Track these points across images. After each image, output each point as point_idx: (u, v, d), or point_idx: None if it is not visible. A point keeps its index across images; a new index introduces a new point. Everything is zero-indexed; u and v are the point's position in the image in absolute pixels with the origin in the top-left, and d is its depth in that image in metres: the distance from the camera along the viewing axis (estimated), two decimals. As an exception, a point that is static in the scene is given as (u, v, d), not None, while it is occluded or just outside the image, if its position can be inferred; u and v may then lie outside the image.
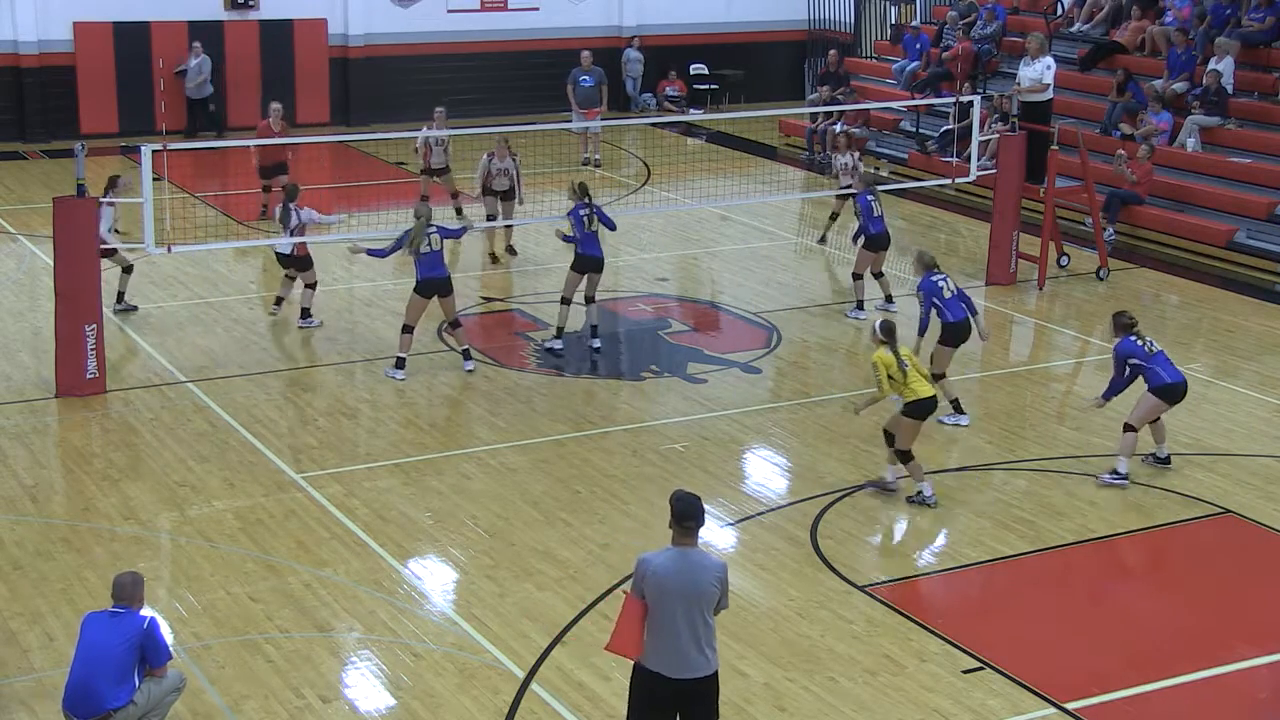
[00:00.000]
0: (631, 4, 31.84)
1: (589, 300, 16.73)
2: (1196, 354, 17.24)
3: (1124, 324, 13.46)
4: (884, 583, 11.61)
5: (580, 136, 26.79)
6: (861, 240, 18.16)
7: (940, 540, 12.51)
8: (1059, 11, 27.34)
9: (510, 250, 20.50)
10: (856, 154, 21.10)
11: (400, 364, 15.79)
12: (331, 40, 29.59)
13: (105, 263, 15.92)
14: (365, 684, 10.05)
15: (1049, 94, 20.65)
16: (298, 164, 22.43)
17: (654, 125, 29.60)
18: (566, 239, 16.67)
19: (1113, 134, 23.45)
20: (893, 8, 31.77)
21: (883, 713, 9.79)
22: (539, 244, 20.37)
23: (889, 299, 18.44)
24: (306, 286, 17.31)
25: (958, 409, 14.76)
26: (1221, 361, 17.11)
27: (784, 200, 25.06)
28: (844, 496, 13.01)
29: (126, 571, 9.17)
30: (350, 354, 16.53)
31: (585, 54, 27.24)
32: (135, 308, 17.80)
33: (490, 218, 19.84)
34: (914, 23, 29.62)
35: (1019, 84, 21.00)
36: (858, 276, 18.27)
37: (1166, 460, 13.66)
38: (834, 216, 21.50)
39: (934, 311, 14.47)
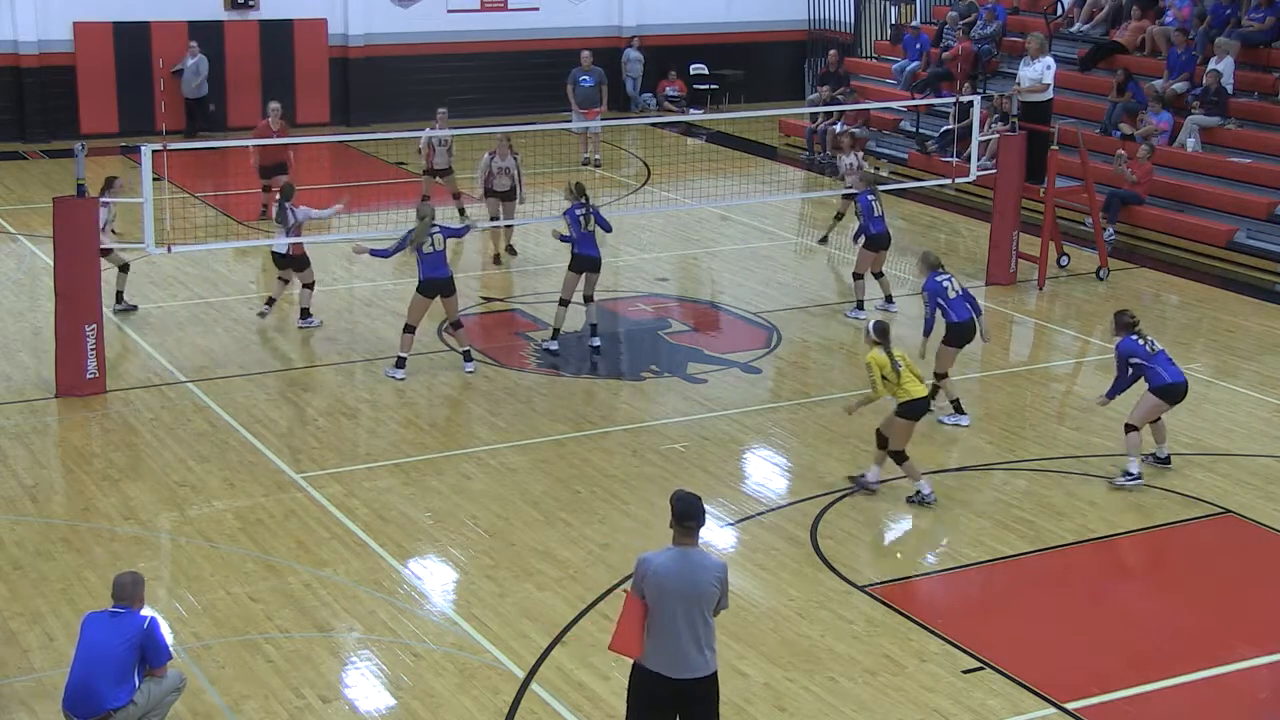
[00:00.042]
0: (631, 4, 31.85)
1: (587, 299, 16.74)
2: (1196, 354, 17.24)
3: (1125, 323, 13.45)
4: (884, 583, 11.61)
5: (580, 136, 26.80)
6: (862, 240, 18.16)
7: (940, 540, 12.51)
8: (1059, 11, 27.34)
9: (510, 250, 20.50)
10: (860, 153, 21.09)
11: (401, 363, 15.79)
12: (331, 40, 29.60)
13: (101, 262, 15.90)
14: (365, 684, 10.05)
15: (1049, 94, 20.64)
16: (298, 164, 22.43)
17: (654, 125, 29.61)
18: (563, 238, 16.68)
19: (1113, 134, 23.45)
20: (893, 8, 31.77)
21: (883, 713, 9.79)
22: (539, 244, 20.37)
23: (889, 299, 18.44)
24: (304, 286, 17.30)
25: (958, 409, 14.76)
26: (1221, 361, 17.11)
27: (784, 200, 25.07)
28: (844, 496, 13.01)
29: (127, 571, 9.17)
30: (350, 354, 16.53)
31: (585, 54, 27.25)
32: (135, 307, 17.80)
33: (494, 219, 19.84)
34: (914, 23, 29.63)
35: (1019, 84, 20.99)
36: (858, 276, 18.28)
37: (1166, 460, 13.66)
38: (839, 216, 21.49)
39: (938, 312, 14.46)
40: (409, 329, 15.75)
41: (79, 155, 15.24)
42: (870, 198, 17.98)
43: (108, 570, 10.82)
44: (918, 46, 28.21)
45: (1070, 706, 9.88)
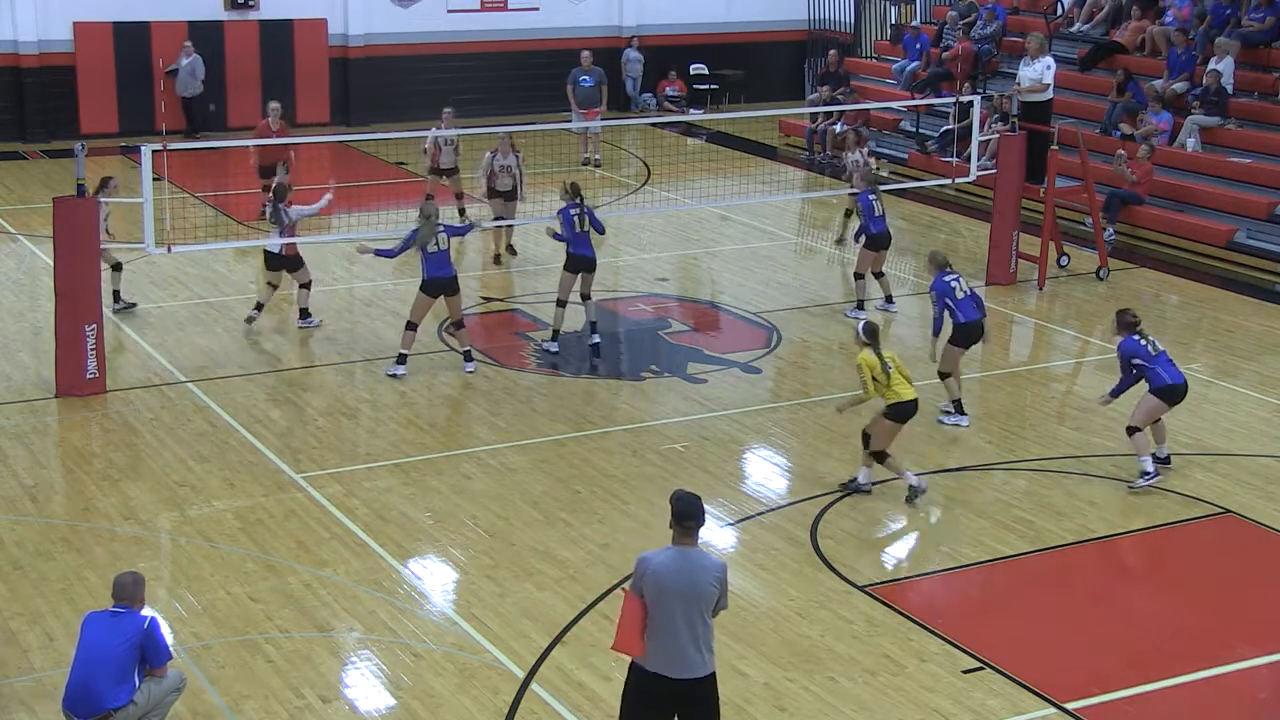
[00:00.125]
0: (631, 4, 31.85)
1: (585, 297, 16.74)
2: (1196, 354, 17.24)
3: (1127, 322, 13.43)
4: (884, 583, 11.61)
5: (580, 136, 26.80)
6: (862, 240, 18.16)
7: (940, 540, 12.51)
8: (1059, 11, 27.34)
9: (510, 250, 20.50)
10: (865, 150, 21.10)
11: (402, 360, 15.80)
12: (331, 40, 29.60)
13: None
14: (365, 684, 10.05)
15: (1049, 94, 20.65)
16: (298, 164, 22.43)
17: (654, 125, 29.61)
18: (557, 237, 16.69)
19: (1113, 134, 23.45)
20: (893, 8, 31.77)
21: (883, 713, 9.79)
22: (539, 244, 20.37)
23: (889, 299, 18.45)
24: (301, 286, 17.27)
25: (959, 409, 14.76)
26: (1221, 361, 17.11)
27: (784, 200, 25.07)
28: (844, 496, 13.01)
29: (127, 571, 9.18)
30: (350, 354, 16.53)
31: (585, 54, 27.25)
32: (134, 305, 17.80)
33: (498, 218, 19.84)
34: (914, 23, 29.63)
35: (1019, 84, 21.00)
36: (859, 276, 18.28)
37: (1166, 460, 13.66)
38: (849, 214, 21.42)
39: (946, 312, 14.46)
40: (411, 326, 15.75)
41: (79, 155, 15.24)
42: (871, 197, 17.98)
43: (108, 570, 10.82)
44: (918, 46, 28.21)
45: (1070, 706, 9.88)
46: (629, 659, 8.19)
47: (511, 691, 9.89)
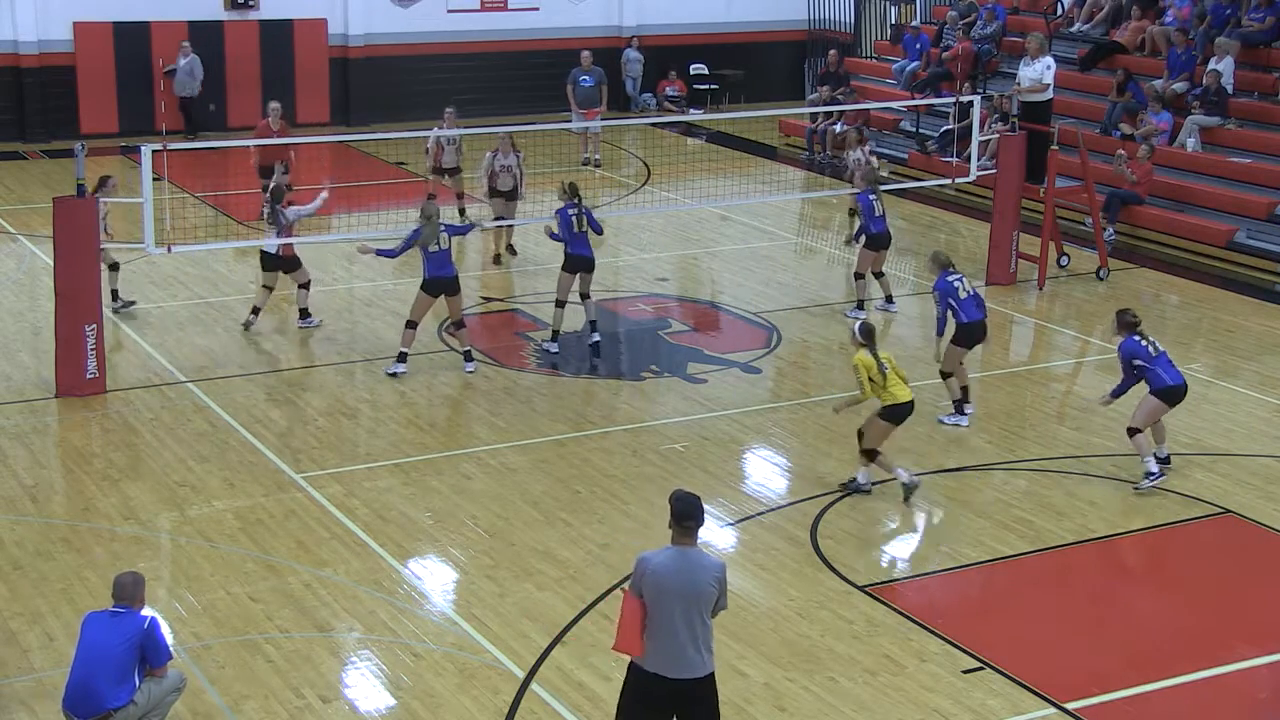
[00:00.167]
0: (631, 4, 31.85)
1: (584, 296, 16.74)
2: (1196, 354, 17.24)
3: (1127, 322, 13.42)
4: (884, 583, 11.61)
5: (580, 136, 26.80)
6: (862, 239, 18.15)
7: (940, 540, 12.51)
8: (1059, 11, 27.34)
9: (510, 250, 20.51)
10: (867, 149, 21.10)
11: (402, 358, 15.81)
12: (331, 40, 29.60)
13: None
14: (365, 684, 10.05)
15: (1049, 94, 20.65)
16: (298, 164, 22.43)
17: (654, 125, 29.61)
18: (554, 237, 16.70)
19: (1113, 134, 23.45)
20: (893, 8, 31.77)
21: (883, 713, 9.79)
22: (539, 244, 20.36)
23: (889, 299, 18.45)
24: (300, 287, 17.25)
25: (959, 410, 14.75)
26: (1221, 361, 17.11)
27: (784, 200, 25.07)
28: (844, 496, 13.01)
29: (127, 571, 9.18)
30: (350, 354, 16.53)
31: (585, 54, 27.25)
32: (133, 303, 17.79)
33: (498, 218, 19.84)
34: (914, 23, 29.63)
35: (1019, 84, 21.00)
36: (859, 276, 18.27)
37: (1166, 460, 13.64)
38: (853, 213, 21.36)
39: (949, 311, 14.45)
40: (411, 325, 15.75)
41: (79, 155, 15.24)
42: (871, 197, 17.97)
43: (108, 570, 10.82)
44: (918, 46, 28.21)
45: (1070, 706, 9.88)
46: (629, 659, 8.19)
47: (511, 691, 9.89)
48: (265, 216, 17.15)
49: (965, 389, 14.82)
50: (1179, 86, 23.49)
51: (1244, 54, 23.36)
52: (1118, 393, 13.51)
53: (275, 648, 10.37)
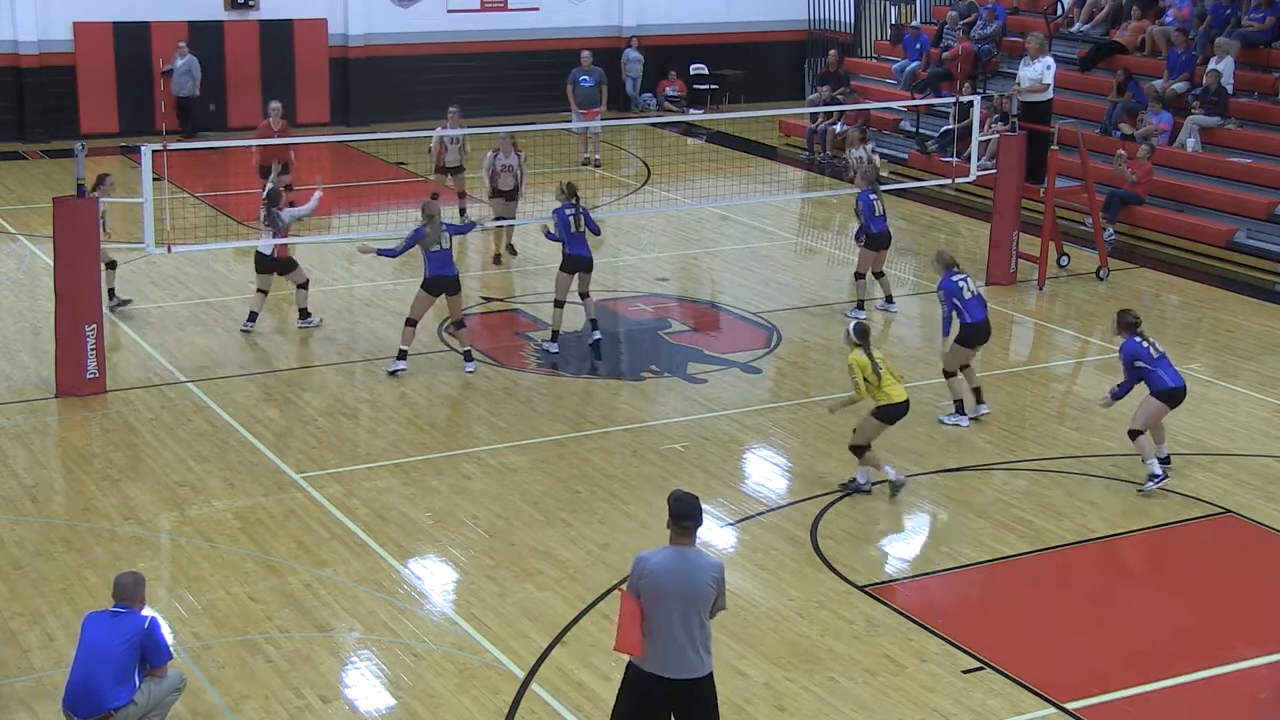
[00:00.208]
0: (631, 4, 31.85)
1: (584, 295, 16.75)
2: (1196, 354, 17.25)
3: (1128, 323, 13.39)
4: (884, 583, 11.61)
5: (580, 136, 26.81)
6: (863, 239, 18.15)
7: (940, 540, 12.51)
8: (1059, 11, 27.34)
9: (510, 249, 20.50)
10: (869, 148, 21.07)
11: (402, 356, 15.81)
12: (331, 40, 29.60)
13: None
14: (365, 684, 10.05)
15: (1049, 94, 20.65)
16: (298, 164, 22.43)
17: (654, 125, 29.61)
18: (550, 237, 16.71)
19: (1113, 134, 23.45)
20: (893, 8, 31.77)
21: (883, 713, 9.79)
22: (538, 244, 20.35)
23: (889, 299, 18.45)
24: (299, 287, 17.24)
25: (960, 410, 14.75)
26: (1221, 361, 17.11)
27: (784, 200, 25.07)
28: (844, 496, 13.01)
29: (127, 571, 9.18)
30: (350, 354, 16.53)
31: (585, 54, 27.25)
32: (129, 301, 17.77)
33: (499, 218, 19.85)
34: (914, 23, 29.63)
35: (1019, 84, 21.00)
36: (859, 276, 18.27)
37: (1166, 460, 13.63)
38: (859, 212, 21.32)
39: (953, 311, 14.44)
40: (410, 323, 15.76)
41: (79, 155, 15.24)
42: (872, 196, 17.97)
43: (108, 570, 10.83)
44: (918, 46, 28.21)
45: (1070, 706, 9.88)
46: (628, 658, 8.19)
47: (511, 691, 9.89)
48: (261, 219, 17.13)
49: (978, 390, 14.79)
50: (1179, 86, 23.50)
51: (1244, 54, 23.36)
52: (1118, 395, 13.45)
53: (275, 648, 10.37)
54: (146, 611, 8.99)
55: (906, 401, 12.83)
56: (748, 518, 12.66)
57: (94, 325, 14.97)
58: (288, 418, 14.74)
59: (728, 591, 8.21)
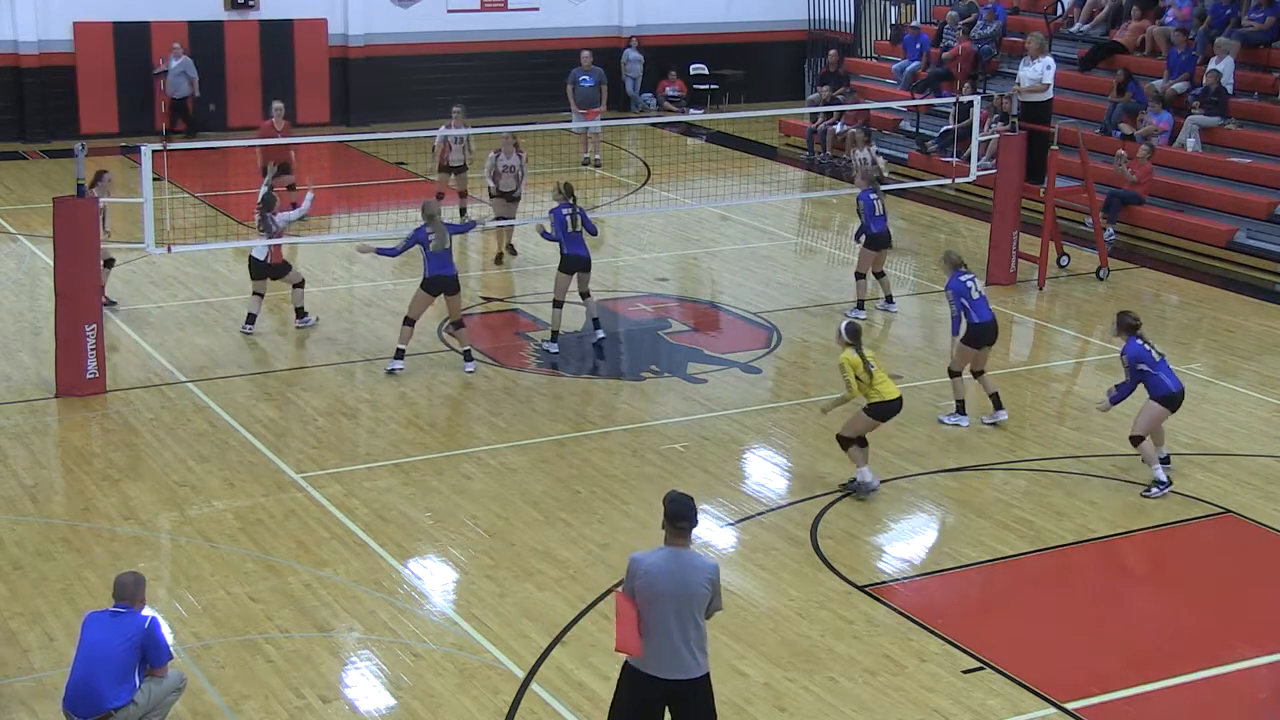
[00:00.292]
0: (631, 4, 31.85)
1: (585, 295, 16.75)
2: (1196, 354, 17.25)
3: (1128, 324, 13.36)
4: (884, 583, 11.61)
5: (580, 136, 26.81)
6: (863, 239, 18.14)
7: (940, 540, 12.51)
8: (1059, 11, 27.34)
9: (510, 249, 20.50)
10: (873, 150, 21.07)
11: (399, 354, 15.81)
12: (331, 40, 29.61)
13: None
14: (365, 684, 10.05)
15: (1049, 94, 20.65)
16: (298, 164, 22.42)
17: (654, 125, 29.61)
18: (547, 236, 16.72)
19: (1113, 134, 23.46)
20: (893, 8, 31.78)
21: (883, 713, 9.79)
22: (538, 244, 20.32)
23: (889, 299, 18.44)
24: (295, 287, 17.24)
25: (961, 410, 14.75)
26: (1221, 361, 17.11)
27: (784, 200, 25.07)
28: (844, 496, 13.01)
29: (128, 571, 9.18)
30: (350, 354, 16.53)
31: (585, 54, 27.26)
32: (115, 303, 17.70)
33: (499, 218, 19.85)
34: (914, 23, 29.63)
35: (1019, 84, 21.00)
36: (859, 275, 18.26)
37: (1166, 460, 13.61)
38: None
39: (961, 311, 14.40)
40: (409, 322, 15.76)
41: (79, 155, 15.24)
42: (872, 196, 17.96)
43: (108, 570, 10.83)
44: (918, 46, 28.21)
45: (1070, 706, 9.88)
46: (623, 658, 8.19)
47: (511, 691, 9.89)
48: (257, 224, 17.10)
49: (995, 396, 14.73)
50: (1179, 86, 23.50)
51: (1244, 54, 23.36)
52: (1117, 398, 13.35)
53: (275, 648, 10.37)
54: (147, 611, 8.99)
55: (899, 399, 12.84)
56: (748, 518, 12.66)
57: (94, 325, 14.97)
58: (287, 418, 14.74)
59: (726, 591, 8.23)
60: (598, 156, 26.61)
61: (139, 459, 13.61)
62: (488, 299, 18.90)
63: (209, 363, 16.14)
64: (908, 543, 12.56)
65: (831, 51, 29.13)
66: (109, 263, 17.65)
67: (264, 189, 17.61)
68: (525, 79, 30.46)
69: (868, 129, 22.36)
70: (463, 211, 21.66)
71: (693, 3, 32.52)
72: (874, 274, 18.30)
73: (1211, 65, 23.00)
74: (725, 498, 13.00)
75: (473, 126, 21.78)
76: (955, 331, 14.58)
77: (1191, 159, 22.66)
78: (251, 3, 28.72)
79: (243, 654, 10.28)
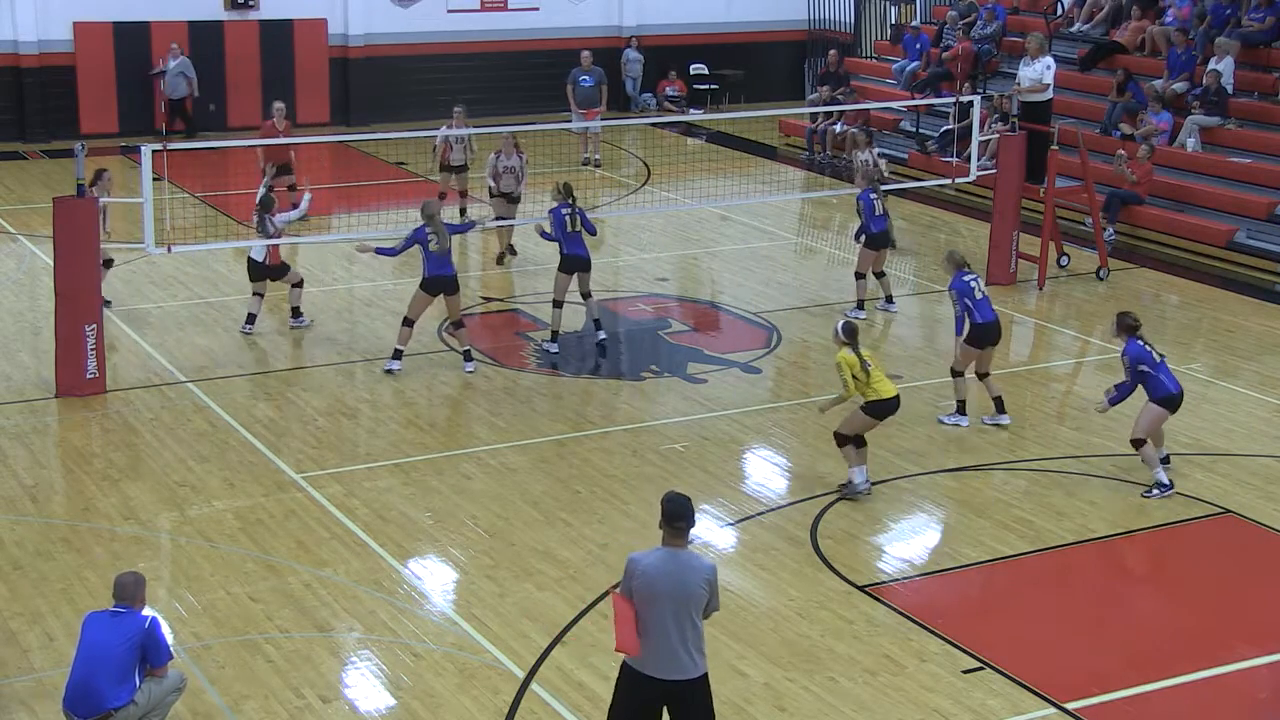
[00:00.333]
0: (631, 4, 31.85)
1: (586, 296, 16.75)
2: (1196, 354, 17.25)
3: (1128, 325, 13.34)
4: (884, 583, 11.61)
5: (580, 136, 26.81)
6: (863, 239, 18.14)
7: (940, 540, 12.51)
8: (1059, 11, 27.34)
9: (511, 250, 20.50)
10: (875, 152, 21.06)
11: (397, 355, 15.81)
12: (331, 40, 29.60)
13: None
14: (365, 684, 10.05)
15: (1049, 94, 20.65)
16: (299, 164, 22.42)
17: (654, 125, 29.61)
18: (546, 236, 16.72)
19: (1113, 134, 23.46)
20: (893, 8, 31.78)
21: (883, 713, 9.79)
22: (538, 244, 20.32)
23: (889, 299, 18.44)
24: (293, 286, 17.23)
25: (961, 410, 14.75)
26: (1221, 361, 17.11)
27: (784, 200, 25.07)
28: (844, 496, 13.00)
29: (128, 571, 9.18)
30: (350, 354, 16.53)
31: (585, 54, 27.26)
32: (109, 302, 17.68)
33: (499, 218, 19.85)
34: (914, 23, 29.63)
35: (1019, 84, 21.00)
36: (859, 275, 18.26)
37: (1166, 460, 13.62)
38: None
39: (965, 311, 14.40)
40: (408, 323, 15.76)
41: (79, 155, 15.24)
42: (872, 196, 17.96)
43: (108, 570, 10.83)
44: (918, 46, 28.21)
45: (1070, 706, 9.88)
46: (621, 658, 8.20)
47: (511, 691, 9.89)
48: (255, 226, 17.09)
49: (998, 399, 14.73)
50: (1179, 86, 23.50)
51: (1244, 54, 23.36)
52: (1116, 399, 13.32)
53: (275, 648, 10.37)
54: (147, 611, 8.99)
55: (896, 397, 12.84)
56: (748, 518, 12.66)
57: (94, 325, 14.97)
58: (287, 418, 14.74)
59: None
60: (598, 156, 26.61)
61: (139, 459, 13.61)
62: (488, 299, 18.90)
63: (209, 363, 16.14)
64: (908, 543, 12.56)
65: (831, 51, 29.13)
66: (107, 263, 17.62)
67: (262, 190, 17.61)
68: (525, 79, 30.46)
69: (869, 131, 22.34)
70: (463, 211, 21.67)
71: (693, 3, 32.52)
72: (874, 274, 18.30)
73: (1211, 65, 23.00)
74: (725, 498, 13.01)
75: (473, 126, 21.76)
76: (959, 332, 14.56)
77: (1191, 159, 22.66)
78: (251, 3, 28.72)
79: (243, 654, 10.28)
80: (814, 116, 27.91)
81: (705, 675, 8.15)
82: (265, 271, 16.91)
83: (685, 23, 32.52)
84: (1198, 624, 11.24)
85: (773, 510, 12.81)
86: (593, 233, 16.98)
